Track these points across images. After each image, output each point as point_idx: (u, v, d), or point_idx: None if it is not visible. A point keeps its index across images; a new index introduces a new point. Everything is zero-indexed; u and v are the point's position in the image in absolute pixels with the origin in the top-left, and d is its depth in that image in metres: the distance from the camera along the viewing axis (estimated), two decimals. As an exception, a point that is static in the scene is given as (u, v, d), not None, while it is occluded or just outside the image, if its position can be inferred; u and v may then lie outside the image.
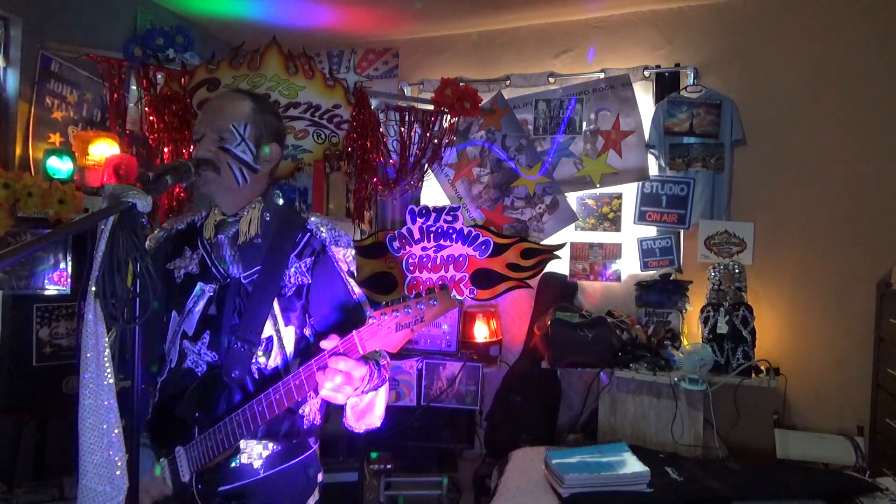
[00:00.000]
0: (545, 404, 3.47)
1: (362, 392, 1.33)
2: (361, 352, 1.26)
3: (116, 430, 1.13)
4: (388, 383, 1.44)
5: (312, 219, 1.52)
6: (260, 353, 1.43)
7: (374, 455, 3.33)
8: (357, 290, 1.50)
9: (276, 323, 1.45)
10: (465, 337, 3.52)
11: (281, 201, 3.18)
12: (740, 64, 3.40)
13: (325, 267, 1.48)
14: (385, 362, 1.40)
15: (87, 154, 2.94)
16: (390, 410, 3.38)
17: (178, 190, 2.99)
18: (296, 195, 3.47)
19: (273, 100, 2.95)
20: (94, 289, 1.11)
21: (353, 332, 1.25)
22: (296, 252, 1.47)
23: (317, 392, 1.30)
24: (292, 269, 1.46)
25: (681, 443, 2.95)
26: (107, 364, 1.13)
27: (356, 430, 1.45)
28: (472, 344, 3.50)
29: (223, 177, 1.44)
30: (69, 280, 2.67)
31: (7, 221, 2.47)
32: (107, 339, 1.13)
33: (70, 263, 2.67)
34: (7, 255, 0.92)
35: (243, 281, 1.46)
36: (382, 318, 1.23)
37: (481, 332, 3.53)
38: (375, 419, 1.44)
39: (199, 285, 1.47)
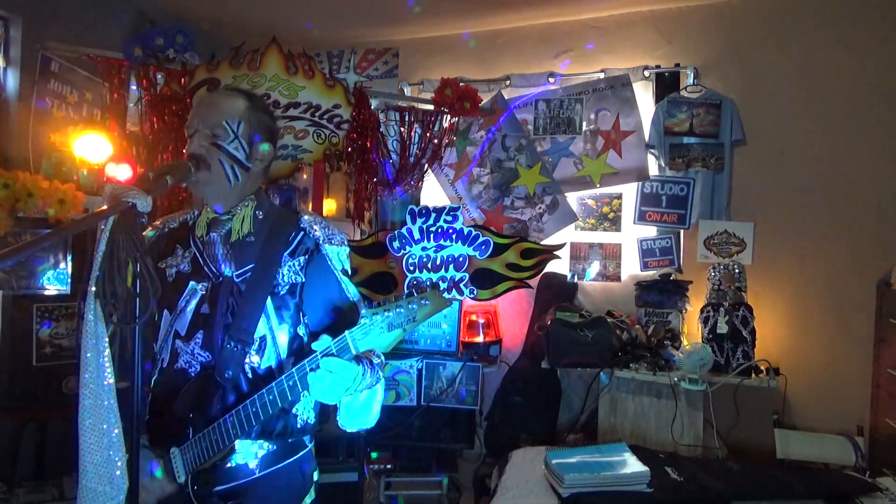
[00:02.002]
0: (545, 404, 3.46)
1: (355, 391, 1.33)
2: (354, 352, 1.26)
3: (116, 431, 1.13)
4: (383, 382, 1.44)
5: (305, 217, 1.52)
6: (253, 352, 1.43)
7: (374, 455, 3.33)
8: (351, 289, 1.49)
9: (269, 322, 1.45)
10: (465, 337, 3.52)
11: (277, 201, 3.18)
12: (740, 64, 3.40)
13: (318, 266, 1.47)
14: (379, 361, 1.40)
15: (93, 154, 2.93)
16: (390, 410, 3.40)
17: (178, 190, 2.99)
18: (296, 196, 3.47)
19: (273, 100, 2.95)
20: (94, 289, 1.11)
21: (346, 332, 1.26)
22: (289, 250, 1.47)
23: (309, 392, 1.30)
24: (285, 268, 1.46)
25: (681, 443, 2.95)
26: (107, 364, 1.13)
27: (349, 430, 1.44)
28: (472, 344, 3.50)
29: (214, 174, 1.43)
30: (69, 280, 2.67)
31: (7, 221, 2.47)
32: (107, 339, 1.13)
33: (70, 263, 2.67)
34: (7, 255, 0.92)
35: (236, 280, 1.45)
36: (374, 318, 1.24)
37: (481, 332, 3.53)
38: (369, 419, 1.44)
39: (192, 284, 1.47)
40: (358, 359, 1.29)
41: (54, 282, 2.64)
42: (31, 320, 2.61)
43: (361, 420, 1.43)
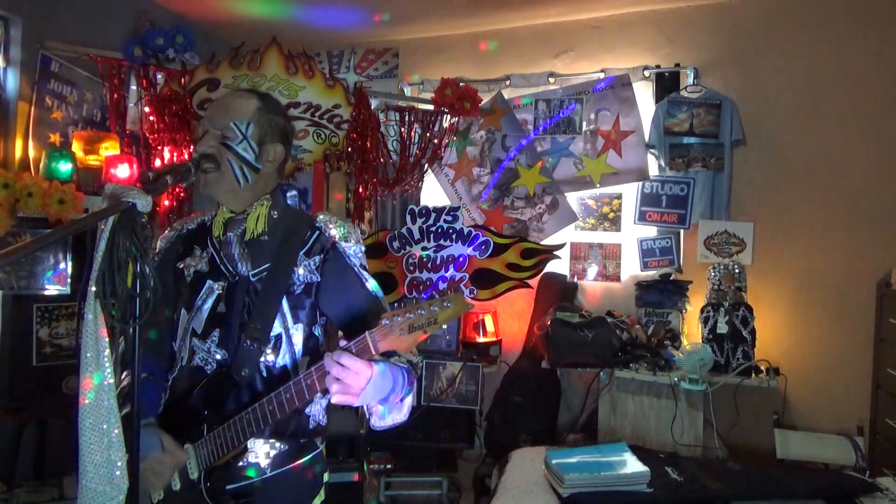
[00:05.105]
0: (545, 404, 3.47)
1: (392, 399, 1.31)
2: (374, 352, 1.25)
3: (116, 430, 1.13)
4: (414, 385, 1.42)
5: (321, 216, 1.52)
6: (269, 351, 1.43)
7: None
8: (372, 283, 1.49)
9: (284, 321, 1.45)
10: (465, 337, 3.52)
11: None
12: (740, 64, 3.40)
13: (336, 264, 1.47)
14: (413, 371, 1.38)
15: (93, 154, 2.94)
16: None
17: (178, 190, 2.99)
18: (296, 197, 3.47)
19: (274, 100, 2.95)
20: (94, 289, 1.11)
21: (366, 332, 1.25)
22: (305, 250, 1.47)
23: (326, 393, 1.29)
24: (301, 268, 1.46)
25: (681, 443, 2.95)
26: (107, 364, 1.12)
27: (380, 427, 1.42)
28: (472, 344, 3.50)
29: (224, 173, 1.44)
30: (69, 280, 2.67)
31: (7, 221, 2.47)
32: (107, 339, 1.13)
33: (70, 263, 2.67)
34: (7, 255, 0.92)
35: (252, 279, 1.46)
36: (395, 319, 1.23)
37: (481, 332, 3.53)
38: (401, 416, 1.42)
39: (209, 283, 1.47)
40: (376, 362, 1.27)
41: (54, 282, 2.64)
42: (31, 320, 2.61)
43: (393, 418, 1.40)
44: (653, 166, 3.51)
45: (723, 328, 3.07)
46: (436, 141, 3.39)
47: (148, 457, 1.33)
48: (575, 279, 3.65)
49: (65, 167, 2.82)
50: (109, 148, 2.99)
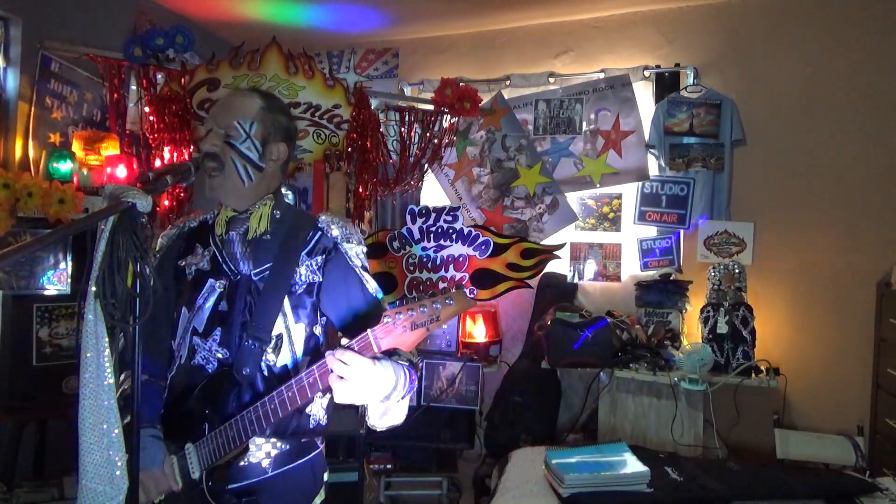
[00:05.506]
0: (545, 404, 3.46)
1: (395, 396, 1.31)
2: (376, 350, 1.25)
3: (116, 430, 1.13)
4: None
5: (322, 217, 1.52)
6: (270, 350, 1.43)
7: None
8: (373, 283, 1.49)
9: (286, 320, 1.45)
10: (465, 337, 3.52)
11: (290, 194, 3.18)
12: (740, 64, 3.40)
13: (338, 264, 1.47)
14: (408, 363, 1.38)
15: (93, 154, 2.94)
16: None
17: (178, 190, 2.99)
18: (296, 196, 3.47)
19: (275, 99, 2.96)
20: (94, 289, 1.11)
21: (368, 330, 1.25)
22: (307, 250, 1.47)
23: (327, 391, 1.29)
24: (303, 268, 1.46)
25: (681, 443, 2.95)
26: (107, 364, 1.12)
27: (378, 429, 1.43)
28: (472, 344, 3.50)
29: (227, 173, 1.44)
30: (69, 280, 2.67)
31: (7, 221, 2.46)
32: (107, 339, 1.13)
33: (70, 263, 2.67)
34: (7, 255, 0.92)
35: (254, 278, 1.46)
36: (397, 317, 1.23)
37: (481, 332, 3.53)
38: (399, 417, 1.42)
39: (210, 281, 1.47)
40: (377, 359, 1.27)
41: (54, 282, 2.64)
42: (31, 320, 2.61)
43: (391, 418, 1.41)
44: (653, 166, 3.51)
45: (723, 328, 3.07)
46: (436, 141, 3.39)
47: (146, 470, 1.32)
48: (575, 279, 3.65)
49: (65, 167, 2.82)
50: (109, 148, 2.99)
